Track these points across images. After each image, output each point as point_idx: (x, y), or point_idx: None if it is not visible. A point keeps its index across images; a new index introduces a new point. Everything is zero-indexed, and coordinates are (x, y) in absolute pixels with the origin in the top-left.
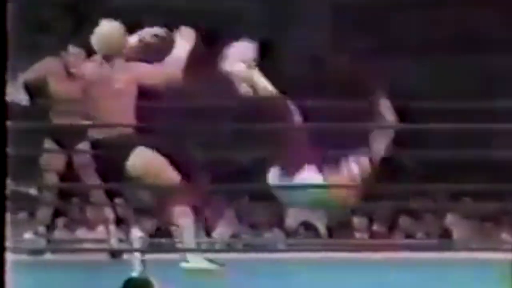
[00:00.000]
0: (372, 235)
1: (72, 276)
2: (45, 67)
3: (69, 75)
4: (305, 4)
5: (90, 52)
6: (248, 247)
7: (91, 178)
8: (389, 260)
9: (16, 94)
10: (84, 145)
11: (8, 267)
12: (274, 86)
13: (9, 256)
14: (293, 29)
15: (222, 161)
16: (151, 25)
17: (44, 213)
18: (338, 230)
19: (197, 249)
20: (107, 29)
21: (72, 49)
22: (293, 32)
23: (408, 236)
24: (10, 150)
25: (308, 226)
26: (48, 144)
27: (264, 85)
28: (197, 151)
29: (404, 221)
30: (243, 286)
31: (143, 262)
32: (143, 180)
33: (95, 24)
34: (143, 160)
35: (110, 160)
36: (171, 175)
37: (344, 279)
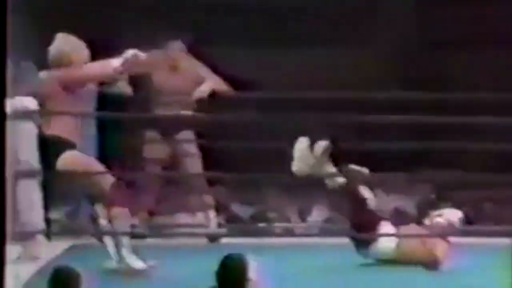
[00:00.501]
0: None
1: (171, 259)
2: (148, 60)
3: (171, 67)
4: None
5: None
6: (341, 231)
7: (194, 166)
8: (474, 244)
9: (121, 86)
10: (186, 135)
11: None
12: (362, 81)
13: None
14: (378, 23)
15: None
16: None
17: (147, 200)
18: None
19: (291, 234)
20: (62, 44)
21: (174, 42)
22: (377, 26)
23: (494, 222)
24: (119, 140)
25: (399, 212)
26: (151, 134)
27: None
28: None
29: (489, 208)
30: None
31: None
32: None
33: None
34: (70, 161)
35: None
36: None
37: None
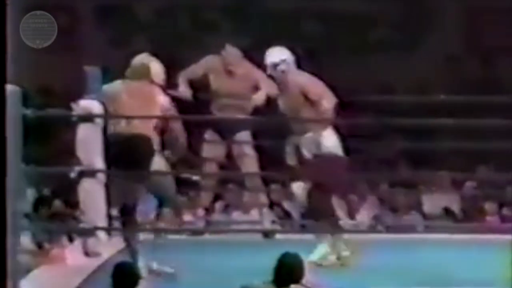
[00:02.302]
0: (502, 219)
1: (228, 255)
2: (207, 65)
3: (227, 72)
4: (441, 7)
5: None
6: (389, 229)
7: (250, 166)
8: None
9: (181, 89)
10: (243, 136)
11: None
12: (413, 86)
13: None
14: (429, 31)
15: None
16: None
17: (204, 197)
18: (472, 214)
19: (342, 230)
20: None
21: (230, 48)
22: (428, 34)
23: None
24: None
25: (447, 211)
26: (210, 135)
27: None
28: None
29: None
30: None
31: None
32: None
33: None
34: None
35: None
36: None
37: (472, 257)
